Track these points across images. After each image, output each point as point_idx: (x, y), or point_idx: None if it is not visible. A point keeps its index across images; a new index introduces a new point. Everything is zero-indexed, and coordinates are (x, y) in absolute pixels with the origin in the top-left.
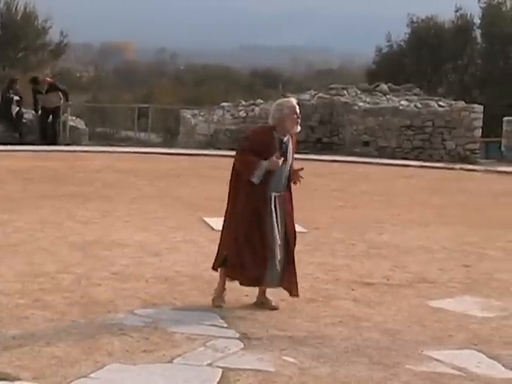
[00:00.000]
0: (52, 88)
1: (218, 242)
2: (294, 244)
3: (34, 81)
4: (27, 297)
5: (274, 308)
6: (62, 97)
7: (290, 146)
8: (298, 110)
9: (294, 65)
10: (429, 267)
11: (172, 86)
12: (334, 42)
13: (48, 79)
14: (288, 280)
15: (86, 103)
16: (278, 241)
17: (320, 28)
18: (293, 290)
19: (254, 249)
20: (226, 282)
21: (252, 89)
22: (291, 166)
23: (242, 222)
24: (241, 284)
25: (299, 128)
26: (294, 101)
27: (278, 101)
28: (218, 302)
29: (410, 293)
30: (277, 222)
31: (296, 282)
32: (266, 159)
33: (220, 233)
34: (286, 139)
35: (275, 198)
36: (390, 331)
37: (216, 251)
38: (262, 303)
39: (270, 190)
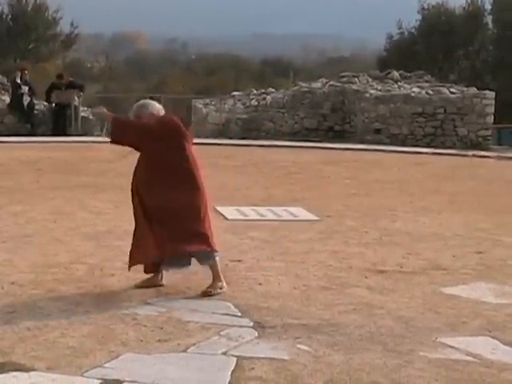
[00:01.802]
0: (70, 86)
1: (231, 230)
2: None
3: (60, 77)
4: (41, 287)
5: (159, 285)
6: (77, 95)
7: None
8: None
9: (305, 52)
10: (442, 254)
11: (183, 76)
12: (345, 29)
13: (69, 78)
14: None
15: (98, 94)
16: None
17: (331, 15)
18: None
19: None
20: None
21: (263, 77)
22: None
23: None
24: None
25: None
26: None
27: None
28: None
29: (424, 280)
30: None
31: None
32: None
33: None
34: None
35: None
36: (403, 318)
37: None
38: (146, 285)
39: None
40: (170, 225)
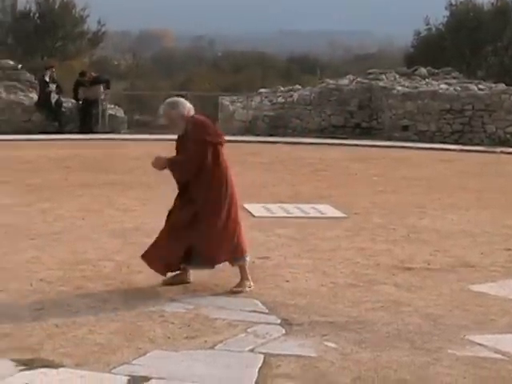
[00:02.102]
0: (95, 81)
1: (258, 228)
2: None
3: (82, 74)
4: (69, 284)
5: (186, 282)
6: (103, 90)
7: (185, 140)
8: (162, 114)
9: (331, 49)
10: (470, 251)
11: (210, 73)
12: (371, 26)
13: (93, 74)
14: None
15: (125, 91)
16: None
17: (358, 12)
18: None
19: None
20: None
21: (290, 74)
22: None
23: None
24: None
25: (174, 129)
26: (161, 108)
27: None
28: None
29: (452, 277)
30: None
31: None
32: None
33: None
34: (180, 134)
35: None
36: (431, 316)
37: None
38: (171, 283)
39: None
40: (202, 233)
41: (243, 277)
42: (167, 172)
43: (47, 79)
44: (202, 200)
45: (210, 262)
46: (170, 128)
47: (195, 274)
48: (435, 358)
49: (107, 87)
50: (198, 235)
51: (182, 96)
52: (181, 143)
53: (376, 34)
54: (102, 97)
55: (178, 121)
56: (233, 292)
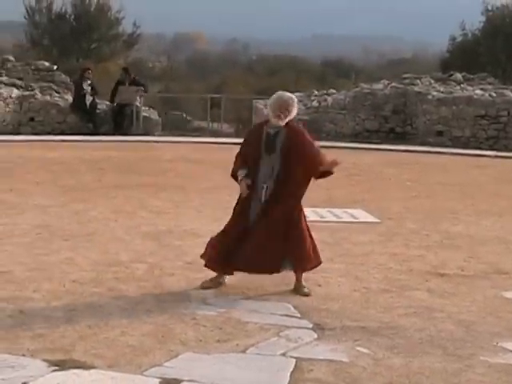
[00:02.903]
0: (133, 83)
1: None
2: (277, 230)
3: (125, 70)
4: (102, 286)
5: (306, 294)
6: (140, 94)
7: (280, 139)
8: (282, 104)
9: (364, 54)
10: (504, 258)
11: (244, 76)
12: (406, 30)
13: (133, 76)
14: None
15: (159, 93)
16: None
17: (392, 16)
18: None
19: (222, 236)
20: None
21: (324, 78)
22: (287, 158)
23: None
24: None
25: (282, 122)
26: (280, 94)
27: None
28: (205, 284)
29: (485, 284)
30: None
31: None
32: (252, 152)
33: None
34: (274, 132)
35: (264, 188)
36: (464, 322)
37: None
38: (296, 289)
39: (258, 182)
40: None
41: (300, 279)
42: (199, 174)
43: (83, 82)
44: (294, 200)
45: (302, 266)
46: (274, 118)
47: (227, 277)
48: (467, 365)
49: (144, 91)
50: (293, 239)
51: (217, 99)
52: (268, 139)
53: (408, 39)
54: (138, 102)
55: (289, 116)
56: (305, 295)
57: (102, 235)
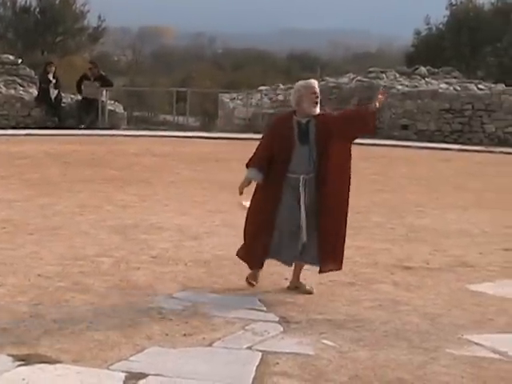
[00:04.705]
0: (100, 78)
1: None
2: (330, 222)
3: (92, 63)
4: (67, 280)
5: (309, 292)
6: (105, 90)
7: (312, 128)
8: (316, 90)
9: (331, 48)
10: (469, 251)
11: (210, 70)
12: (372, 24)
13: (100, 71)
14: (311, 257)
15: (124, 87)
16: (300, 221)
17: (358, 11)
18: (323, 267)
19: (258, 230)
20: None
21: (290, 72)
22: (322, 146)
23: (253, 204)
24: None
25: (318, 109)
26: (312, 81)
27: (298, 82)
28: (250, 279)
29: (450, 277)
30: (299, 203)
31: (327, 259)
32: (285, 145)
33: None
34: (305, 121)
35: (302, 180)
36: (429, 315)
37: None
38: (296, 287)
39: (290, 173)
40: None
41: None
42: (165, 168)
43: (48, 75)
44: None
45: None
46: (309, 106)
47: (193, 272)
48: (433, 358)
49: (109, 88)
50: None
51: (183, 92)
52: (300, 129)
53: (375, 33)
54: (103, 98)
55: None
56: (308, 292)
57: (67, 229)
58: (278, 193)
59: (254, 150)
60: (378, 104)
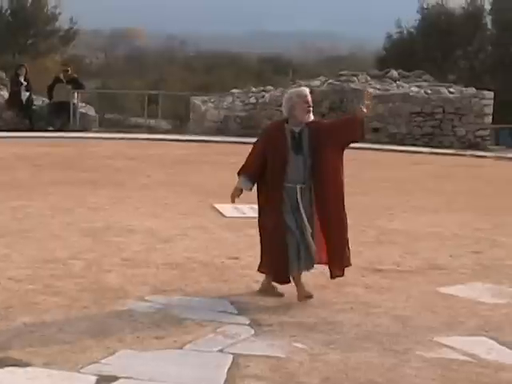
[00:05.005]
0: (72, 81)
1: (228, 228)
2: (332, 229)
3: (65, 65)
4: (38, 283)
5: (279, 295)
6: (76, 93)
7: (305, 137)
8: (308, 99)
9: (303, 51)
10: (439, 254)
11: (182, 73)
12: (343, 27)
13: (74, 74)
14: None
15: (96, 89)
16: (304, 228)
17: (330, 14)
18: (333, 274)
19: (270, 243)
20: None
21: (262, 75)
22: (317, 155)
23: (260, 215)
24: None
25: (311, 116)
26: (304, 89)
27: (289, 90)
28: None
29: (421, 279)
30: (299, 212)
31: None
32: (279, 155)
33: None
34: (298, 130)
35: (299, 189)
36: (400, 317)
37: None
38: (266, 291)
39: (286, 182)
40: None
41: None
42: (137, 171)
43: (19, 77)
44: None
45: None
46: (302, 114)
47: (165, 274)
48: (404, 360)
49: (81, 88)
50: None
51: (155, 95)
52: (294, 138)
53: (347, 36)
54: (75, 100)
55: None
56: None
57: (38, 232)
58: (280, 204)
59: (246, 158)
60: (365, 110)
